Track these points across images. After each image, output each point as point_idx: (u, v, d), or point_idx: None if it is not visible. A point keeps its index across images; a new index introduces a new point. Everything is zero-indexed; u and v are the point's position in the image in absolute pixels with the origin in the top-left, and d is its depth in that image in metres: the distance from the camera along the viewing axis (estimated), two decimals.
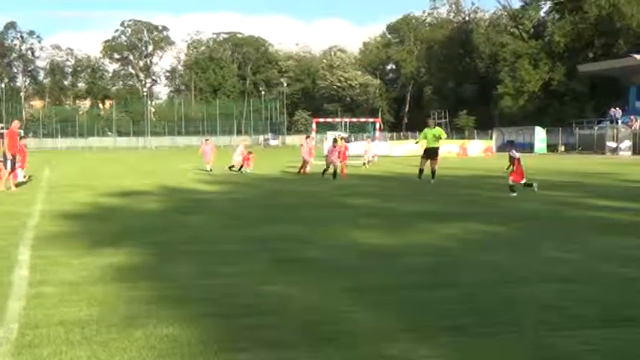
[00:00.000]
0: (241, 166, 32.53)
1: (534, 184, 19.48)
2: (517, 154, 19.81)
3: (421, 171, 24.44)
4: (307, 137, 34.77)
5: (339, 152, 27.71)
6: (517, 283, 7.79)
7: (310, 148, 32.51)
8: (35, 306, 6.74)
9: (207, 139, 37.56)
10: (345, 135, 61.58)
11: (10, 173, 22.52)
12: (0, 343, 5.60)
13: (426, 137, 24.67)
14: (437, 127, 25.20)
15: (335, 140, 28.87)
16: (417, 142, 25.84)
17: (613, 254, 9.56)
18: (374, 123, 56.79)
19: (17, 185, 23.30)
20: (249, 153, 33.78)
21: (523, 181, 19.34)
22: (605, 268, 8.66)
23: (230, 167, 33.06)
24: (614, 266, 8.73)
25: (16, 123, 24.14)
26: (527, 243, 10.72)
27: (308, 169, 31.36)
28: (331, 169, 26.66)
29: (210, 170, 32.57)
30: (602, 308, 6.60)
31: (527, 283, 7.77)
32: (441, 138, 24.78)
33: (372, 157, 40.50)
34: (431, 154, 24.62)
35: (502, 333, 5.82)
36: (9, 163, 22.31)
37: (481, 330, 5.89)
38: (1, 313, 6.48)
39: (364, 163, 37.61)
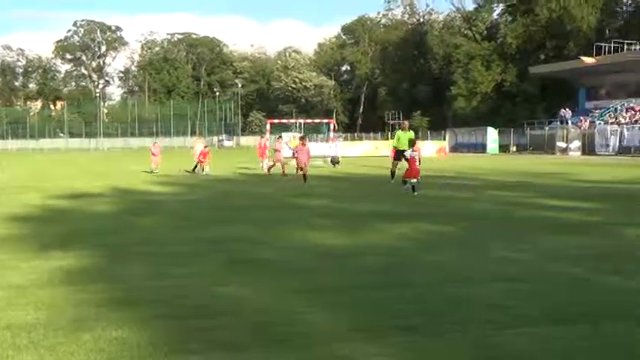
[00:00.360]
0: (195, 166, 32.32)
1: (414, 190, 19.55)
2: (414, 154, 20.58)
3: (393, 173, 24.49)
4: (279, 138, 34.44)
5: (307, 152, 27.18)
6: (465, 282, 7.86)
7: (278, 149, 32.20)
8: None
9: (155, 141, 37.57)
10: (299, 135, 61.47)
11: None
12: None
13: (399, 140, 24.69)
14: (410, 131, 25.23)
15: (302, 138, 28.28)
16: (394, 145, 25.83)
17: (562, 254, 9.68)
18: (328, 124, 56.88)
19: None
20: (206, 147, 33.43)
21: (414, 180, 19.86)
22: (553, 267, 8.78)
23: (194, 168, 32.99)
24: (562, 266, 8.85)
25: None
26: (476, 243, 10.82)
27: (274, 167, 30.99)
28: (300, 172, 25.86)
29: (152, 172, 32.07)
30: (550, 307, 6.68)
31: (476, 283, 7.84)
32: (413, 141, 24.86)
33: (325, 158, 40.64)
34: (402, 156, 24.69)
35: (450, 332, 5.86)
36: None
37: (430, 329, 5.93)
38: None
39: (335, 163, 38.32)
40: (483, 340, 5.64)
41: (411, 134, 24.68)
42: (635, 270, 8.52)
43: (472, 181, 25.07)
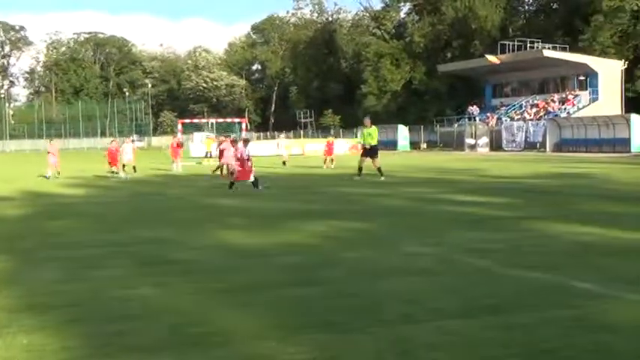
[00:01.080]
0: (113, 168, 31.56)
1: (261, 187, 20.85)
2: (245, 154, 21.16)
3: (360, 169, 24.82)
4: (232, 140, 29.46)
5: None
6: (380, 278, 7.97)
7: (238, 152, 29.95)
8: None
9: (51, 141, 33.96)
10: (212, 136, 61.00)
11: None
12: None
13: (369, 136, 25.12)
14: (373, 127, 25.55)
15: (235, 142, 26.70)
16: (360, 142, 26.08)
17: (472, 247, 9.92)
18: (240, 123, 56.70)
19: None
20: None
21: (251, 180, 20.94)
22: (464, 260, 8.98)
23: (125, 169, 32.18)
24: (472, 259, 9.06)
25: None
26: (391, 238, 10.99)
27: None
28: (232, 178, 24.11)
29: (57, 176, 29.63)
30: (461, 300, 6.85)
31: (390, 278, 7.97)
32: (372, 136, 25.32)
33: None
34: (370, 152, 25.10)
35: (367, 327, 5.93)
36: None
37: (348, 326, 5.99)
38: None
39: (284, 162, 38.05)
40: (398, 334, 5.75)
41: (373, 129, 25.79)
42: (540, 263, 8.81)
43: (387, 179, 25.37)
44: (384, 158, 27.67)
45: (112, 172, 31.12)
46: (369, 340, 5.62)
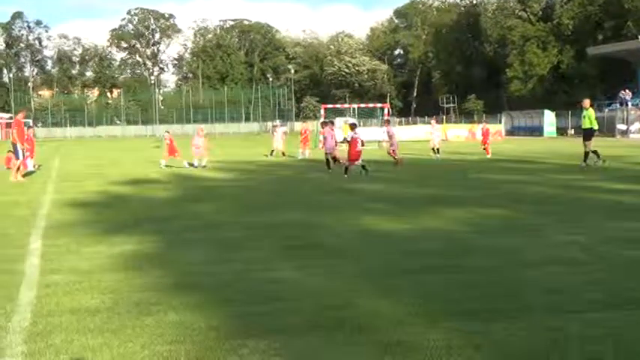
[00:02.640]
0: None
1: (365, 170, 21.13)
2: (356, 136, 21.65)
3: (586, 154, 23.91)
4: (327, 124, 29.84)
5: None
6: (523, 266, 7.78)
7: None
8: (47, 294, 6.77)
9: (201, 128, 30.66)
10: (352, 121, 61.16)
11: (20, 163, 22.59)
12: (13, 331, 5.63)
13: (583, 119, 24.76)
14: (590, 109, 25.02)
15: (325, 124, 28.60)
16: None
17: (621, 237, 9.51)
18: (382, 108, 56.62)
19: (25, 175, 23.37)
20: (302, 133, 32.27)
21: (358, 163, 21.28)
22: (611, 251, 8.62)
23: (270, 153, 33.38)
24: (621, 249, 8.68)
25: (21, 114, 24.31)
26: (533, 226, 10.69)
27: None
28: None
29: (205, 166, 27.07)
30: (608, 291, 6.61)
31: (533, 267, 7.75)
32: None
33: (380, 141, 40.03)
34: (585, 134, 24.60)
35: (509, 317, 5.81)
36: (20, 152, 22.42)
37: (489, 314, 5.89)
38: (13, 302, 6.52)
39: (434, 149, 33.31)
40: (543, 324, 5.58)
41: (590, 112, 24.78)
42: None
43: (529, 164, 24.74)
44: (529, 144, 26.93)
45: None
46: (514, 329, 5.49)
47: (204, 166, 26.70)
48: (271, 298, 6.52)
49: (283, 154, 34.28)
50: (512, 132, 70.05)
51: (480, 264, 7.96)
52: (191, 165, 27.11)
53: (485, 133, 33.57)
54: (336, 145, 25.98)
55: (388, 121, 31.31)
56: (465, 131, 60.66)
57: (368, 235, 10.10)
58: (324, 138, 27.45)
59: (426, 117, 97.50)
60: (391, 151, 27.46)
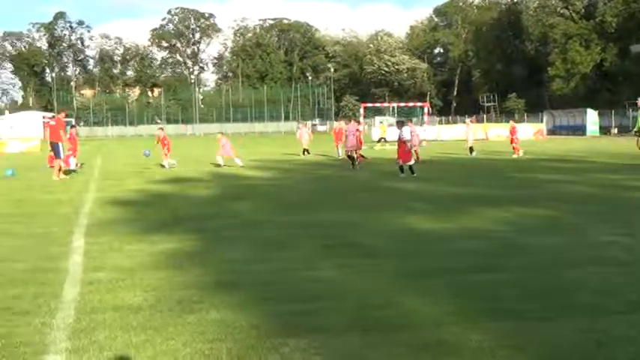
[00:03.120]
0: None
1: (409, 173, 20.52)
2: (404, 137, 21.10)
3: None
4: (350, 120, 30.98)
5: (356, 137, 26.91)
6: (567, 266, 7.69)
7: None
8: (90, 292, 6.86)
9: (222, 133, 30.68)
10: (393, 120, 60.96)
11: (61, 162, 22.84)
12: (57, 328, 5.71)
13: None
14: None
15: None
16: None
17: None
18: (422, 107, 56.38)
19: (67, 173, 23.66)
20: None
21: (411, 163, 21.03)
22: None
23: (304, 152, 33.67)
24: None
25: (62, 113, 24.62)
26: (578, 226, 10.57)
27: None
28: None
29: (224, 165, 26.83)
30: None
31: (578, 267, 7.66)
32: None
33: (420, 141, 39.82)
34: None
35: (555, 317, 5.76)
36: (60, 151, 22.67)
37: (534, 314, 5.85)
38: (57, 299, 6.61)
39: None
40: (590, 326, 5.51)
41: None
42: None
43: (571, 164, 24.47)
44: (571, 143, 26.63)
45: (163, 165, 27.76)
46: (559, 329, 5.44)
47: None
48: (311, 297, 6.53)
49: (307, 152, 34.81)
50: (553, 131, 69.19)
51: (522, 263, 7.88)
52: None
53: (512, 132, 32.56)
54: (360, 144, 26.13)
55: (403, 122, 30.71)
56: (506, 130, 60.02)
57: (407, 235, 10.06)
58: (346, 136, 27.46)
59: (466, 116, 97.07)
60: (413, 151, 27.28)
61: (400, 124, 22.29)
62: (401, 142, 21.14)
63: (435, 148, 38.84)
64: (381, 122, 61.13)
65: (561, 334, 5.35)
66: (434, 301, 6.34)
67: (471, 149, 32.06)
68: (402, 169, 20.83)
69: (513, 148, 30.82)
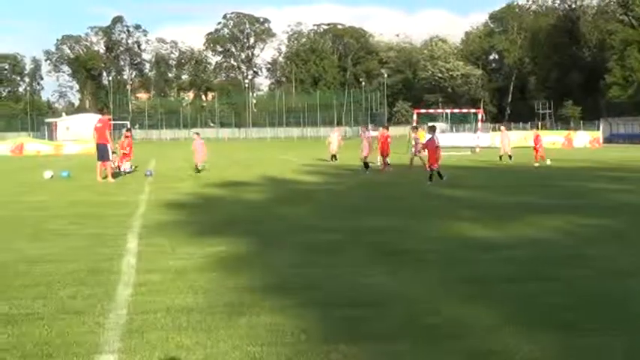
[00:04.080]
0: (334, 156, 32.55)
1: (443, 177, 20.41)
2: (436, 142, 21.15)
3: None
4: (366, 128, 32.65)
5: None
6: (625, 277, 7.55)
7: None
8: (143, 293, 6.94)
9: (197, 133, 29.50)
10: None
11: (103, 163, 22.91)
12: (110, 328, 5.78)
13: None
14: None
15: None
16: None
17: None
18: (476, 114, 55.91)
19: (118, 176, 23.90)
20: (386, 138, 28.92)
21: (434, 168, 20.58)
22: None
23: (332, 157, 33.61)
24: None
25: (107, 116, 24.73)
26: (634, 236, 10.37)
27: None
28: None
29: (200, 170, 26.31)
30: None
31: (637, 277, 7.51)
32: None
33: (474, 147, 39.54)
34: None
35: (608, 329, 5.64)
36: (109, 153, 22.79)
37: (587, 326, 5.74)
38: (111, 300, 6.69)
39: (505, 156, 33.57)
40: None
41: None
42: None
43: (628, 173, 24.04)
44: (629, 152, 26.13)
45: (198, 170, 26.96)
46: (614, 342, 5.33)
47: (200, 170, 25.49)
48: (361, 303, 6.51)
49: (334, 157, 34.69)
50: (610, 139, 68.10)
51: (575, 273, 7.76)
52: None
53: (536, 140, 31.81)
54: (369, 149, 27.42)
55: (416, 128, 31.23)
56: (562, 138, 59.26)
57: (459, 242, 9.97)
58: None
59: (521, 123, 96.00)
60: (415, 154, 27.86)
61: (432, 130, 22.33)
62: (435, 147, 20.95)
63: (489, 155, 38.36)
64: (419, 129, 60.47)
65: (612, 345, 5.25)
66: (484, 310, 6.27)
67: (509, 157, 32.33)
68: (431, 176, 20.55)
69: (536, 155, 30.43)
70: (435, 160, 20.77)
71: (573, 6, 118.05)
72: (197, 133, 29.54)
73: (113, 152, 24.20)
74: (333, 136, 36.52)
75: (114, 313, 6.20)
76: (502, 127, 40.19)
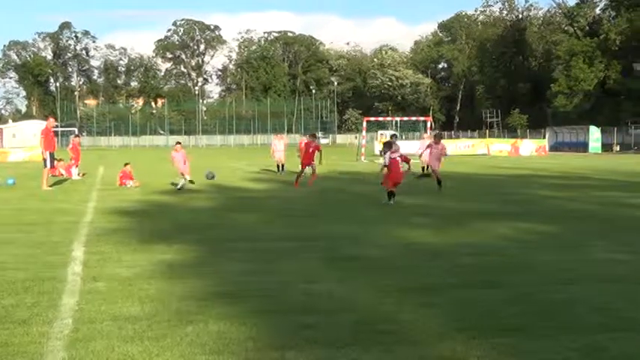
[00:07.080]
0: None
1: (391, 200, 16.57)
2: (395, 156, 17.10)
3: None
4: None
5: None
6: (569, 283, 7.65)
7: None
8: (88, 301, 6.83)
9: (178, 143, 24.99)
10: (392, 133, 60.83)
11: (49, 171, 22.46)
12: (55, 337, 5.68)
13: None
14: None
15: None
16: None
17: None
18: (425, 122, 56.36)
19: (66, 182, 23.54)
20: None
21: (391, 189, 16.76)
22: None
23: (279, 167, 31.78)
24: None
25: (50, 121, 23.92)
26: (579, 243, 10.53)
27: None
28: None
29: (189, 183, 22.24)
30: None
31: (580, 284, 7.63)
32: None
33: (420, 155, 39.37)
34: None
35: (556, 334, 5.71)
36: (48, 160, 22.21)
37: (535, 331, 5.80)
38: (55, 309, 6.58)
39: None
40: (586, 343, 5.48)
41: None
42: None
43: (572, 181, 24.44)
44: (573, 160, 26.60)
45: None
46: (559, 347, 5.40)
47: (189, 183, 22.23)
48: (311, 310, 6.50)
49: (282, 167, 31.08)
50: (556, 147, 69.19)
51: (521, 280, 7.85)
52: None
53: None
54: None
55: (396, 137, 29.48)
56: (508, 146, 60.10)
57: (409, 249, 10.03)
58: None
59: (469, 131, 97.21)
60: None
61: (392, 139, 19.88)
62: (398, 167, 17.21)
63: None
64: (382, 135, 61.10)
65: (561, 351, 5.31)
66: (434, 316, 6.31)
67: (423, 169, 27.12)
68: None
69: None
70: (394, 182, 16.92)
71: (520, 16, 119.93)
72: (179, 142, 25.07)
73: (59, 160, 23.74)
74: (279, 144, 32.24)
75: (58, 323, 6.09)
76: (425, 135, 36.00)
